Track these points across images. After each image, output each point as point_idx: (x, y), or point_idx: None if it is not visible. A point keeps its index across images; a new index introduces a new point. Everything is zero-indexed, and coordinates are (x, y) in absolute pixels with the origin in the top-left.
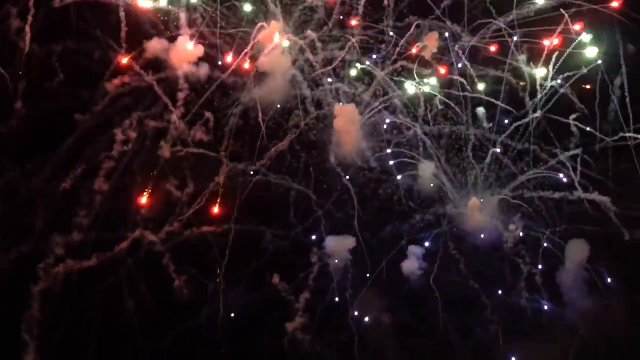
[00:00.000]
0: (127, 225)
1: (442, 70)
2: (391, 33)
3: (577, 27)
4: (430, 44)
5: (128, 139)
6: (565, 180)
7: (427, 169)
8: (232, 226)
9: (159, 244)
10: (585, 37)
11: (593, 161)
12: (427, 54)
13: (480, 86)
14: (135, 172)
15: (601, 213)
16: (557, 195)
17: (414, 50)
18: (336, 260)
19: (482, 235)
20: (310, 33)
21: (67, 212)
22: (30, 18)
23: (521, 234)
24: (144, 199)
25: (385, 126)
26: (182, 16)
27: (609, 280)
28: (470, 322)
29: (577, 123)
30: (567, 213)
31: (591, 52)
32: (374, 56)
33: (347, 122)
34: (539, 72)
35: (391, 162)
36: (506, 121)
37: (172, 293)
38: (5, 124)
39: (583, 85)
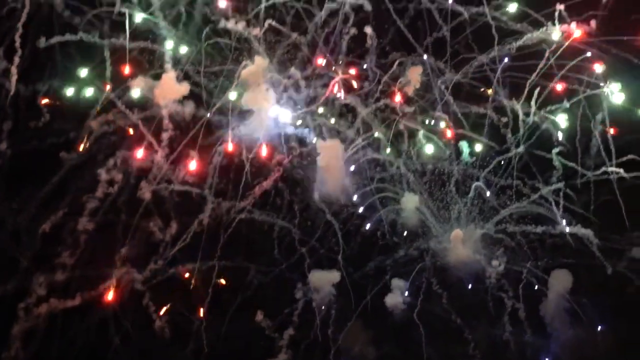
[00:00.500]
0: (112, 263)
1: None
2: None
3: (598, 68)
4: (413, 79)
5: (112, 179)
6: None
7: (410, 202)
8: (216, 263)
9: (143, 282)
10: (614, 86)
11: (575, 194)
12: (409, 90)
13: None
14: (120, 211)
15: (584, 245)
16: (539, 229)
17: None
18: (321, 296)
19: (465, 269)
20: (295, 71)
21: (51, 251)
22: (16, 59)
23: (503, 268)
24: (128, 238)
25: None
26: (167, 55)
27: (592, 311)
28: (454, 356)
29: (559, 158)
30: (550, 245)
31: (618, 98)
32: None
33: (330, 158)
34: (521, 107)
35: (375, 197)
36: (488, 158)
37: (156, 331)
38: None
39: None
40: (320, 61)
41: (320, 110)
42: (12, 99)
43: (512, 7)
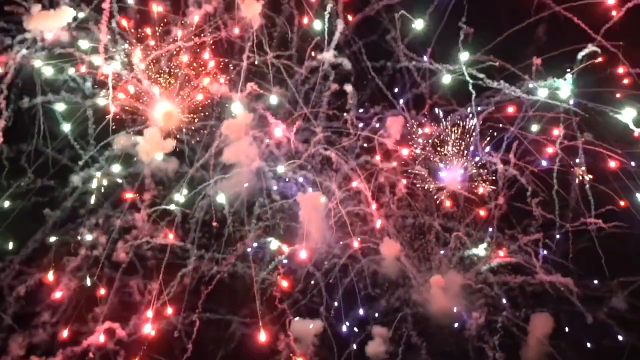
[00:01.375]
0: (95, 320)
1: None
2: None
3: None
4: (394, 131)
5: (96, 238)
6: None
7: (390, 250)
8: (199, 316)
9: (126, 337)
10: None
11: (554, 244)
12: (391, 142)
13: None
14: (103, 268)
15: (564, 292)
16: (519, 279)
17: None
18: (303, 346)
19: (446, 319)
20: (277, 127)
21: (32, 310)
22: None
23: (484, 320)
24: (110, 294)
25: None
26: (150, 111)
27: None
28: None
29: (538, 210)
30: (530, 293)
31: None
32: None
33: (311, 210)
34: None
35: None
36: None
37: None
38: None
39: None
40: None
41: (302, 164)
42: None
43: (488, 63)
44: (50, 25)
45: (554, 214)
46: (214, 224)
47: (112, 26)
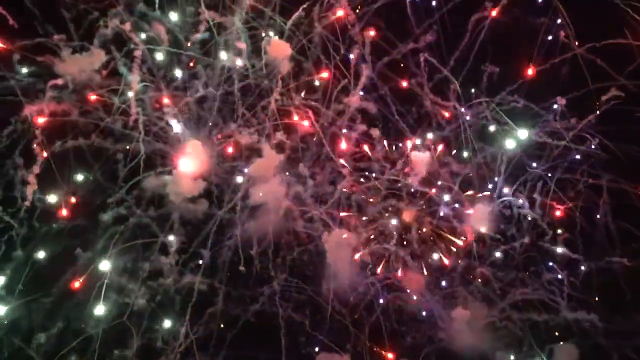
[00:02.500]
0: None
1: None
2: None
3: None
4: (420, 168)
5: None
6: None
7: (414, 283)
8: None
9: None
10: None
11: (579, 281)
12: (415, 181)
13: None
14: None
15: (587, 327)
16: (543, 317)
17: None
18: None
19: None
20: (303, 168)
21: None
22: (35, 167)
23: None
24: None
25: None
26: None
27: None
28: None
29: (563, 248)
30: (553, 327)
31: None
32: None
33: (339, 252)
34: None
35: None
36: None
37: None
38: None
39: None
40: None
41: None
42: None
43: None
44: (81, 69)
45: (578, 251)
46: (241, 267)
47: (142, 71)
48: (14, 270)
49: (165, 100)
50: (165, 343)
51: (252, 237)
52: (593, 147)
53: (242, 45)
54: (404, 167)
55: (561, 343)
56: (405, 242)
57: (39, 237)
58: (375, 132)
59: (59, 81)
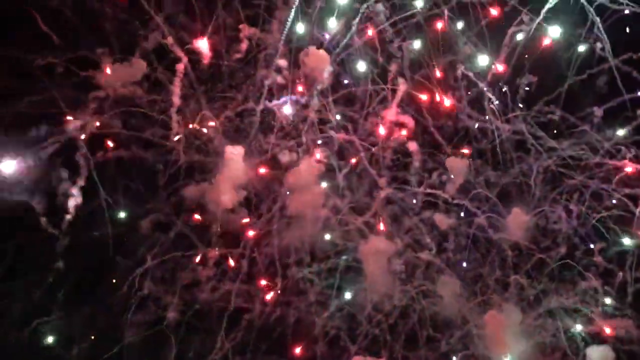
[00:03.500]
0: None
1: None
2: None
3: None
4: (457, 175)
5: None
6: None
7: (447, 287)
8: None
9: None
10: None
11: (614, 290)
12: (452, 189)
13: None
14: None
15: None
16: (579, 327)
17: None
18: None
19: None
20: (340, 180)
21: None
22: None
23: None
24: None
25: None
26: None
27: None
28: None
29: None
30: (588, 333)
31: None
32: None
33: (375, 262)
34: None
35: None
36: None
37: None
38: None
39: None
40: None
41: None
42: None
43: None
44: (122, 80)
45: (614, 261)
46: (277, 283)
47: (184, 83)
48: (55, 280)
49: (206, 113)
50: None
51: (289, 246)
52: (628, 158)
53: (283, 62)
54: (441, 176)
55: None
56: (441, 250)
57: (80, 246)
58: (413, 146)
59: (101, 93)
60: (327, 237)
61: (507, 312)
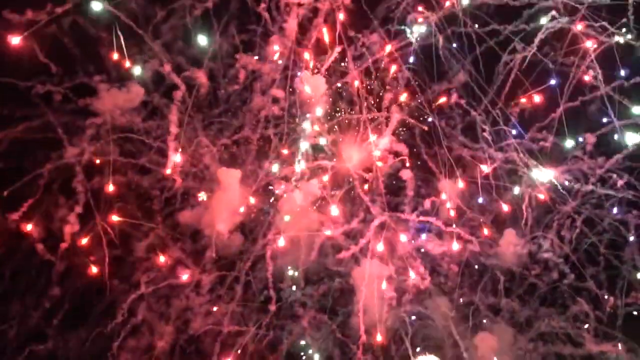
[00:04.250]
0: None
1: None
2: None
3: None
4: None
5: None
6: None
7: (439, 309)
8: None
9: None
10: None
11: (604, 315)
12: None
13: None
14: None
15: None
16: (568, 350)
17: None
18: None
19: None
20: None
21: None
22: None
23: None
24: None
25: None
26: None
27: None
28: None
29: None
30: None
31: None
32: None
33: (366, 282)
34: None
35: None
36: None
37: None
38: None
39: None
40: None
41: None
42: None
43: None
44: (119, 106)
45: (602, 287)
46: (271, 307)
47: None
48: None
49: (203, 140)
50: None
51: (283, 271)
52: (619, 185)
53: (280, 93)
54: (434, 203)
55: None
56: (432, 275)
57: (76, 271)
58: (407, 174)
59: (98, 120)
60: (321, 261)
61: (498, 333)
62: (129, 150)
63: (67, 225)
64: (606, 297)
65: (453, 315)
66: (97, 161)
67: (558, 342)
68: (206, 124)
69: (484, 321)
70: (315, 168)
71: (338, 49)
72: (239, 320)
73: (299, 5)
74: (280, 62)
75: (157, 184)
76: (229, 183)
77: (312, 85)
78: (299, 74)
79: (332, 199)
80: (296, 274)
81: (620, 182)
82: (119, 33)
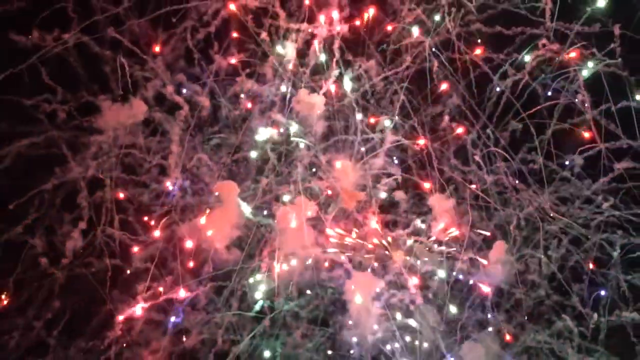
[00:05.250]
0: None
1: None
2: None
3: None
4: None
5: None
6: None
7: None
8: None
9: None
10: None
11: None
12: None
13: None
14: None
15: None
16: None
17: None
18: None
19: None
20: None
21: None
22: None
23: None
24: None
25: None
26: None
27: None
28: None
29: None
30: None
31: None
32: None
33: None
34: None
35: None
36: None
37: None
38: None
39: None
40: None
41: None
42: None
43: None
44: (121, 122)
45: (586, 305)
46: (266, 323)
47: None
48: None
49: (202, 157)
50: None
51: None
52: (605, 206)
53: (280, 118)
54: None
55: None
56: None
57: (76, 284)
58: (401, 195)
59: (101, 137)
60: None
61: (484, 342)
62: (130, 165)
63: (70, 240)
64: (590, 313)
65: (441, 329)
66: (100, 176)
67: (542, 356)
68: (205, 141)
69: (471, 335)
70: (310, 187)
71: (335, 72)
72: (235, 330)
73: (298, 31)
74: (277, 82)
75: (157, 200)
76: (227, 195)
77: (308, 104)
78: (294, 93)
79: (326, 218)
80: (290, 287)
81: (605, 205)
82: (122, 59)
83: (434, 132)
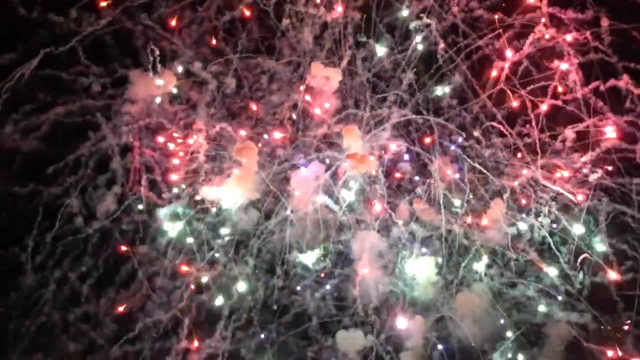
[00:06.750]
0: None
1: None
2: None
3: None
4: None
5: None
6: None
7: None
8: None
9: None
10: None
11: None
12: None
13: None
14: None
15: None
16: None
17: None
18: None
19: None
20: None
21: None
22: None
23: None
24: None
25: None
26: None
27: None
28: None
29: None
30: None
31: None
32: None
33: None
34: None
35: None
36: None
37: None
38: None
39: None
40: None
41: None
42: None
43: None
44: (150, 92)
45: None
46: (274, 306)
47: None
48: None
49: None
50: None
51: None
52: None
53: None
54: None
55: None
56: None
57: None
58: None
59: (132, 108)
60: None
61: (477, 292)
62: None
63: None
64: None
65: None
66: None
67: (529, 313)
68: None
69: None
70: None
71: (349, 52)
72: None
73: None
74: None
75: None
76: (247, 157)
77: (323, 76)
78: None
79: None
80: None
81: (592, 177)
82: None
83: (438, 109)
